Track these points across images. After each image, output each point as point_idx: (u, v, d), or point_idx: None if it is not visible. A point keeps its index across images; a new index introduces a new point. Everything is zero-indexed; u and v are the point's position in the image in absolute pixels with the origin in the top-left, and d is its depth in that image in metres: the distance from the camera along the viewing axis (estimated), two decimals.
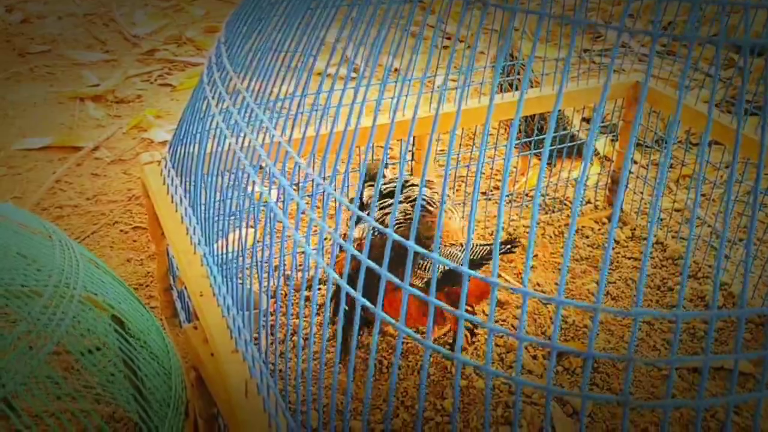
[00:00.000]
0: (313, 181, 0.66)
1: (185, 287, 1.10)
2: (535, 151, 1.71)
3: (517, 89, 1.73)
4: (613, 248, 1.66)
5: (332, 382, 0.74)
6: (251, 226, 0.81)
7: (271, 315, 1.15)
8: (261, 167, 0.78)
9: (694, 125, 1.52)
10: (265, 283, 0.76)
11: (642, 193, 1.75)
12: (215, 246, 0.97)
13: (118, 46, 2.96)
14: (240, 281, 0.90)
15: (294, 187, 0.69)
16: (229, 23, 0.99)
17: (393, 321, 0.58)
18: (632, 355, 0.53)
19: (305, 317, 1.42)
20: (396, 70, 2.24)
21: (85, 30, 3.11)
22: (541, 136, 1.68)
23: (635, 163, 1.99)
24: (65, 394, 1.10)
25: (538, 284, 1.53)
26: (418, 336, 0.57)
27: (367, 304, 0.61)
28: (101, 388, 1.17)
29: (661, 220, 1.74)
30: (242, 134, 0.81)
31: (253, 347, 0.83)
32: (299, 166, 0.69)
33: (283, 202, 0.71)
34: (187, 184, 1.09)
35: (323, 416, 1.16)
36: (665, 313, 0.55)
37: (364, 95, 0.69)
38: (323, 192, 0.65)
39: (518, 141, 1.79)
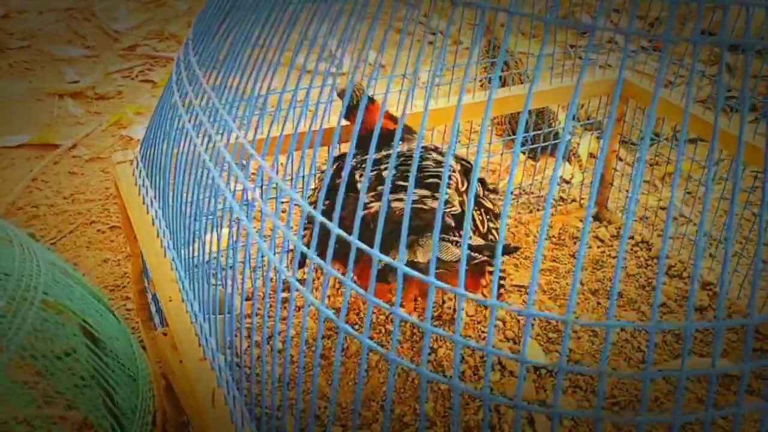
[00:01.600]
0: (276, 184, 0.64)
1: (157, 291, 1.07)
2: (522, 149, 1.69)
3: (505, 84, 1.71)
4: (598, 247, 1.64)
5: (311, 387, 0.71)
6: (226, 227, 0.79)
7: (238, 320, 1.12)
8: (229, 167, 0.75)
9: (680, 122, 1.50)
10: (230, 288, 0.74)
11: (627, 191, 1.73)
12: (183, 250, 0.94)
13: (98, 42, 2.91)
14: (212, 284, 0.88)
15: (263, 188, 0.66)
16: (198, 21, 0.96)
17: (357, 335, 0.56)
18: (604, 369, 0.51)
19: (270, 317, 1.39)
20: (371, 65, 2.21)
21: (65, 25, 3.06)
22: (535, 132, 1.66)
23: (620, 160, 1.97)
24: (32, 400, 1.07)
25: (523, 287, 1.50)
26: (382, 349, 0.55)
27: (332, 316, 0.58)
28: (72, 394, 1.14)
29: (647, 218, 1.72)
30: (207, 135, 0.78)
31: (219, 355, 0.81)
32: (263, 169, 0.66)
33: (247, 205, 0.68)
34: (157, 185, 1.06)
35: (301, 422, 1.13)
36: (639, 324, 0.53)
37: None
38: (287, 196, 0.62)
39: (504, 138, 1.77)
